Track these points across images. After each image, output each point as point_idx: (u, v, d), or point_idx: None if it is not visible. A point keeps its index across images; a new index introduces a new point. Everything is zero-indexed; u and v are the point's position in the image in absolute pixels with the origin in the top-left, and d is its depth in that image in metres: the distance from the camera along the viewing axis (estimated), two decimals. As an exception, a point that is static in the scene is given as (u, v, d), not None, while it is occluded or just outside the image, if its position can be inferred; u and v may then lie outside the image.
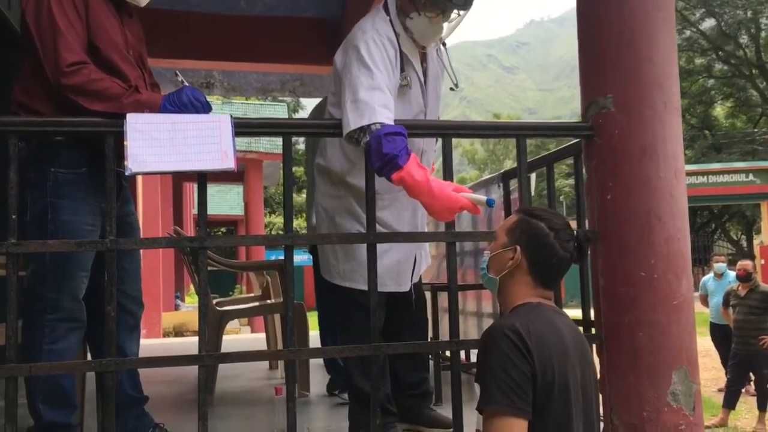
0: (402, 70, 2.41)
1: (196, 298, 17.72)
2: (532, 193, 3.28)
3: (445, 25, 2.44)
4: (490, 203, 2.10)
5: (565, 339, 1.69)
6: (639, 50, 2.26)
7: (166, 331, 11.52)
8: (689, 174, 20.77)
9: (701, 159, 26.23)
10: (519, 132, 2.33)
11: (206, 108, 2.18)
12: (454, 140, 2.31)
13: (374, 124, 2.15)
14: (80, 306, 2.24)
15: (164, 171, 2.07)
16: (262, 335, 4.99)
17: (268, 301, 4.09)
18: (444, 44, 2.63)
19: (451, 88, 2.60)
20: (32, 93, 2.16)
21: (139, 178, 9.35)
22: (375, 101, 2.19)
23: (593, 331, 2.35)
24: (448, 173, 2.25)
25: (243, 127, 2.18)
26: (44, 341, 2.13)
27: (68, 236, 2.12)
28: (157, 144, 2.04)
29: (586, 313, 2.52)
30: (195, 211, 21.02)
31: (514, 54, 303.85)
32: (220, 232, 31.31)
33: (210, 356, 2.04)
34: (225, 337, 3.80)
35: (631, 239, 2.23)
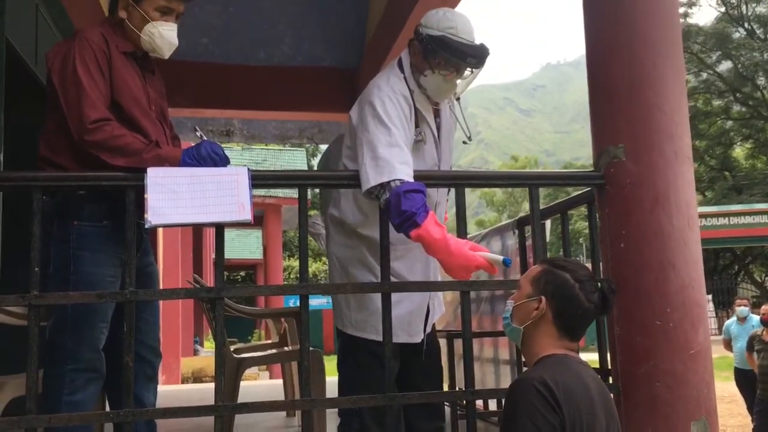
0: (416, 126, 2.45)
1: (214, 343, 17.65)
2: (548, 235, 3.30)
3: (459, 81, 2.49)
4: (506, 263, 2.12)
5: (592, 392, 1.70)
6: (649, 99, 2.30)
7: (185, 376, 11.52)
8: (710, 216, 20.61)
9: (722, 201, 26.01)
10: (531, 182, 2.36)
11: (224, 161, 2.23)
12: (528, 197, 2.34)
13: (394, 180, 2.19)
14: (100, 357, 2.26)
15: (183, 223, 2.12)
16: (280, 381, 4.99)
17: (286, 348, 4.10)
18: (457, 99, 2.68)
19: (464, 142, 2.64)
20: (56, 148, 2.23)
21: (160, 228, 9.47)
22: (394, 158, 2.23)
23: (611, 380, 2.34)
24: (461, 223, 2.27)
25: (260, 179, 2.23)
26: (63, 392, 2.15)
27: (90, 287, 2.16)
28: (177, 197, 2.10)
29: (603, 361, 2.51)
30: (214, 256, 21.26)
31: (530, 97, 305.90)
32: (239, 277, 31.41)
33: (225, 407, 2.05)
34: (243, 383, 3.81)
35: (646, 288, 2.23)
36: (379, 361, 2.20)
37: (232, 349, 3.99)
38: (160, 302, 8.70)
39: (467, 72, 2.45)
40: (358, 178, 2.26)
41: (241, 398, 3.76)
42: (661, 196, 2.26)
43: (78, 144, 2.17)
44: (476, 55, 2.39)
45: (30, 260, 1.99)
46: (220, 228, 2.15)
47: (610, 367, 2.35)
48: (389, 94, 2.37)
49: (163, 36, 2.33)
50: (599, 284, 1.86)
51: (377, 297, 2.24)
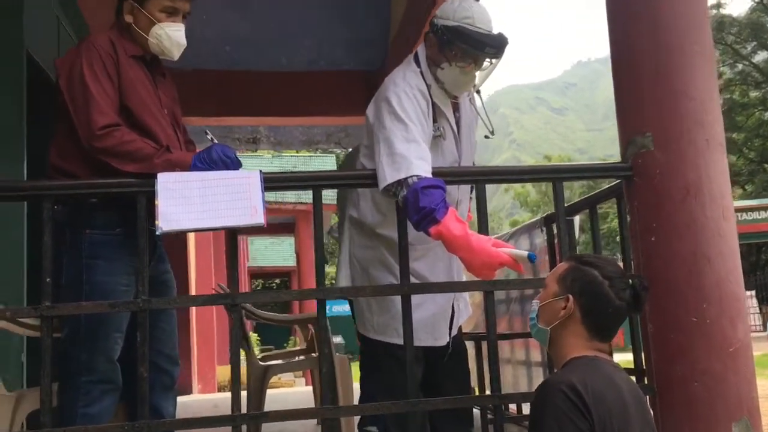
0: (434, 121, 2.38)
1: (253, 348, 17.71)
2: (578, 232, 3.18)
3: (478, 73, 2.41)
4: (531, 258, 2.03)
5: (624, 396, 1.60)
6: (676, 86, 2.19)
7: (221, 384, 11.53)
8: (750, 210, 20.08)
9: (762, 194, 25.38)
10: (555, 175, 2.27)
11: (236, 164, 2.19)
12: (506, 184, 2.24)
13: (411, 177, 2.12)
14: (115, 367, 2.22)
15: (196, 228, 2.09)
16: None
17: (313, 355, 4.04)
18: (478, 91, 2.60)
19: (486, 137, 2.55)
20: (67, 156, 2.20)
21: (191, 234, 9.49)
22: (411, 154, 2.16)
23: (645, 381, 2.23)
24: (482, 220, 2.19)
25: (272, 182, 2.18)
26: (78, 404, 2.11)
27: (103, 297, 2.12)
28: (188, 202, 2.05)
29: (637, 361, 2.40)
30: (249, 263, 21.26)
31: (562, 95, 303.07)
32: (274, 284, 31.54)
33: (243, 416, 2.00)
34: (277, 391, 3.76)
35: (679, 283, 2.12)
36: (401, 365, 2.13)
37: (260, 357, 3.95)
38: (194, 311, 8.72)
39: (486, 63, 2.37)
40: (373, 176, 2.19)
41: (274, 405, 3.72)
42: (692, 186, 2.15)
43: (88, 150, 2.14)
44: (494, 45, 2.30)
45: (42, 270, 1.96)
46: (232, 233, 2.10)
47: (644, 367, 2.24)
48: (405, 89, 2.30)
49: (171, 37, 2.29)
50: (630, 281, 1.76)
51: (399, 299, 2.16)
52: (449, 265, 2.45)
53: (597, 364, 1.66)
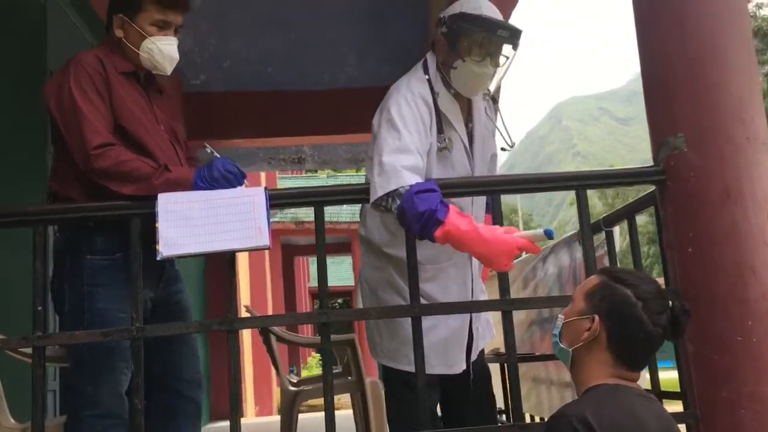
0: (440, 132, 2.21)
1: (312, 371, 17.69)
2: (618, 244, 2.95)
3: (494, 70, 2.25)
4: (549, 234, 1.87)
5: (648, 430, 1.40)
6: (709, 79, 1.98)
7: (280, 407, 11.51)
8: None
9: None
10: (578, 183, 2.08)
11: (240, 178, 2.08)
12: (567, 196, 2.07)
13: (402, 187, 1.98)
14: (121, 401, 2.09)
15: (198, 253, 1.96)
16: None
17: (349, 378, 3.90)
18: (495, 100, 2.43)
19: (503, 149, 2.38)
20: (64, 180, 2.14)
21: (243, 253, 9.52)
22: (401, 163, 2.03)
23: (683, 406, 2.01)
24: (498, 233, 2.01)
25: (274, 199, 2.06)
26: None
27: (105, 325, 2.01)
28: (190, 224, 1.95)
29: (682, 386, 2.17)
30: (310, 284, 21.30)
31: (627, 104, 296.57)
32: (336, 304, 31.60)
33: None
34: (319, 414, 3.62)
35: (722, 298, 1.91)
36: (415, 393, 1.96)
37: (293, 381, 3.84)
38: (250, 334, 8.68)
39: (501, 59, 2.21)
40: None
41: (310, 430, 3.59)
42: (732, 190, 1.93)
43: (86, 173, 2.07)
44: (508, 27, 2.16)
45: (34, 298, 1.89)
46: (232, 255, 1.98)
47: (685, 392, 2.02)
48: (406, 96, 2.16)
49: (163, 51, 2.20)
50: (670, 303, 1.55)
51: (408, 323, 2.01)
52: (464, 286, 2.27)
53: (620, 393, 1.47)
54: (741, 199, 1.93)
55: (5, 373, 2.35)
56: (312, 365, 19.09)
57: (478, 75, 2.21)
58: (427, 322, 2.02)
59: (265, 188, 2.03)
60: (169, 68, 2.24)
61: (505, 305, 1.99)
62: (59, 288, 2.11)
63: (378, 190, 2.01)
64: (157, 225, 1.94)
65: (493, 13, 2.20)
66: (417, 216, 1.90)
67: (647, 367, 2.37)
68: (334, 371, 4.67)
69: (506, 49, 2.24)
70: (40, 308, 1.87)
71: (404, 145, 2.06)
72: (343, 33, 6.33)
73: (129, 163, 2.05)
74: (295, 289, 17.01)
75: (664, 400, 2.29)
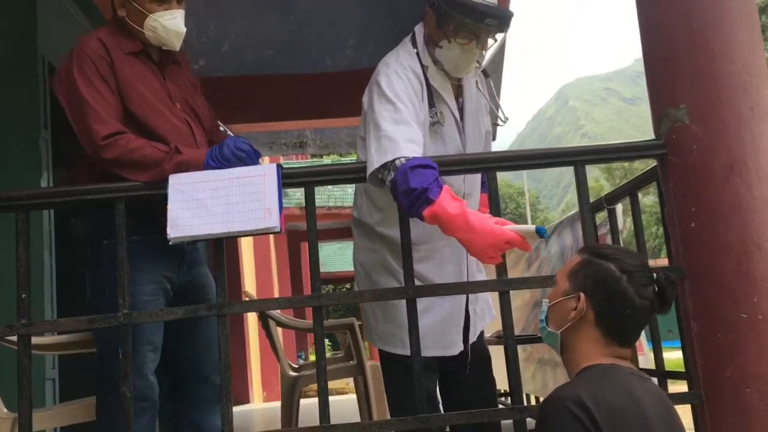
0: (432, 105, 2.15)
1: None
2: (623, 227, 2.89)
3: (476, 60, 2.19)
4: (540, 232, 1.78)
5: (645, 410, 1.35)
6: (712, 47, 1.91)
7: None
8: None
9: None
10: (576, 158, 2.01)
11: (253, 157, 2.01)
12: (575, 178, 1.99)
13: (398, 159, 1.91)
14: (149, 383, 2.07)
15: (207, 235, 1.88)
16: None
17: (351, 362, 3.86)
18: (486, 74, 2.36)
19: (496, 124, 2.31)
20: (80, 169, 2.11)
21: (246, 239, 9.46)
22: (399, 135, 1.95)
23: (689, 387, 1.95)
24: (495, 212, 1.96)
25: (263, 181, 1.99)
26: (116, 424, 1.92)
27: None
28: (200, 205, 1.88)
29: (687, 365, 2.11)
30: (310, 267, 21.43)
31: (634, 84, 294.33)
32: (344, 289, 31.62)
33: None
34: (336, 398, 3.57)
35: (726, 274, 1.84)
36: (411, 376, 1.91)
37: (295, 366, 3.80)
38: (250, 319, 8.68)
39: (489, 41, 2.13)
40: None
41: (315, 415, 3.55)
42: (736, 162, 1.87)
43: (95, 163, 2.03)
44: (496, 16, 2.05)
45: (18, 286, 1.84)
46: (225, 238, 1.91)
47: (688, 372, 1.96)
48: (396, 70, 2.10)
49: (167, 27, 2.13)
50: (655, 275, 1.51)
51: (403, 306, 1.95)
52: (459, 267, 2.21)
53: (613, 373, 1.42)
54: (745, 173, 1.86)
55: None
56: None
57: (463, 59, 2.15)
58: (421, 304, 1.96)
59: (278, 165, 1.95)
60: (176, 43, 2.18)
61: (503, 285, 1.93)
62: (80, 275, 2.10)
63: (374, 162, 1.94)
64: (168, 206, 1.88)
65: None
66: (407, 192, 1.84)
67: (651, 346, 2.33)
68: (337, 355, 4.65)
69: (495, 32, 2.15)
70: (24, 295, 1.82)
71: (401, 117, 2.00)
72: (345, 14, 6.23)
73: (139, 150, 2.00)
74: (302, 275, 16.97)
75: (668, 380, 2.24)
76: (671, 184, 1.96)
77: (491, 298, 2.37)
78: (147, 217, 1.99)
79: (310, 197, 1.96)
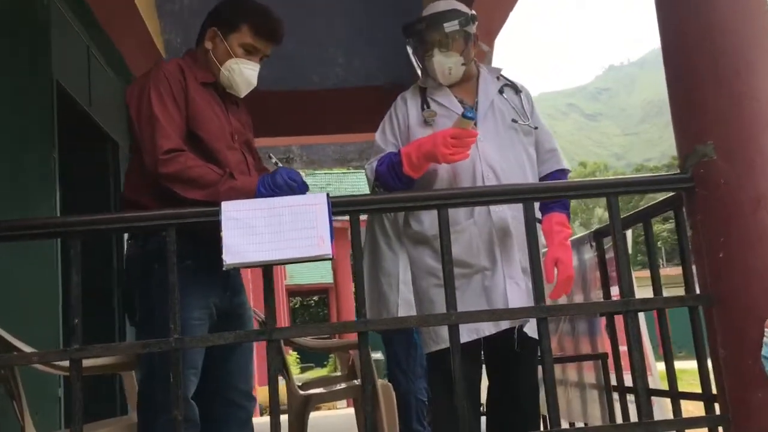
0: (427, 107, 2.57)
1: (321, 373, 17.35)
2: (630, 246, 3.00)
3: (453, 59, 2.52)
4: (464, 115, 2.28)
5: None
6: (737, 88, 2.02)
7: (263, 407, 11.41)
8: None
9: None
10: (610, 190, 2.10)
11: (303, 188, 2.11)
12: (607, 209, 2.14)
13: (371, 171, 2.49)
14: (190, 405, 2.13)
15: (261, 261, 1.91)
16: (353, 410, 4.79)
17: (355, 382, 3.91)
18: (516, 88, 2.67)
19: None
20: (138, 189, 2.19)
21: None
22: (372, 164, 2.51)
23: (717, 409, 2.04)
24: (531, 239, 2.03)
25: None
26: None
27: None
28: (254, 232, 1.92)
29: (705, 386, 2.21)
30: (287, 281, 21.28)
31: (595, 101, 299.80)
32: (312, 301, 31.52)
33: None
34: (317, 414, 3.63)
35: (755, 302, 1.94)
36: (444, 377, 2.01)
37: (300, 384, 3.83)
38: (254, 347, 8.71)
39: (461, 43, 2.52)
40: (409, 199, 2.14)
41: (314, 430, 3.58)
42: (763, 196, 1.97)
43: (155, 178, 2.10)
44: (448, 17, 2.46)
45: (70, 310, 1.86)
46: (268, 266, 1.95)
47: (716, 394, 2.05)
48: (390, 113, 2.66)
49: (243, 74, 2.28)
50: None
51: (439, 303, 2.24)
52: (490, 245, 2.41)
53: None
54: (772, 206, 1.96)
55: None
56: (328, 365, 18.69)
57: (445, 64, 2.51)
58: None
59: (327, 194, 2.00)
60: (244, 91, 2.33)
61: (541, 312, 2.00)
62: (131, 296, 2.16)
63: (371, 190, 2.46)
64: (221, 233, 1.91)
65: (437, 7, 2.51)
66: (384, 171, 2.38)
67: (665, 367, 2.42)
68: (338, 375, 4.68)
69: (465, 32, 2.51)
70: (76, 321, 1.83)
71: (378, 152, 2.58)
72: (332, 32, 6.31)
73: (196, 169, 2.09)
74: (274, 285, 16.91)
75: (682, 401, 2.34)
76: (699, 217, 2.06)
77: (520, 270, 2.48)
78: (200, 242, 2.03)
79: (354, 227, 2.02)
